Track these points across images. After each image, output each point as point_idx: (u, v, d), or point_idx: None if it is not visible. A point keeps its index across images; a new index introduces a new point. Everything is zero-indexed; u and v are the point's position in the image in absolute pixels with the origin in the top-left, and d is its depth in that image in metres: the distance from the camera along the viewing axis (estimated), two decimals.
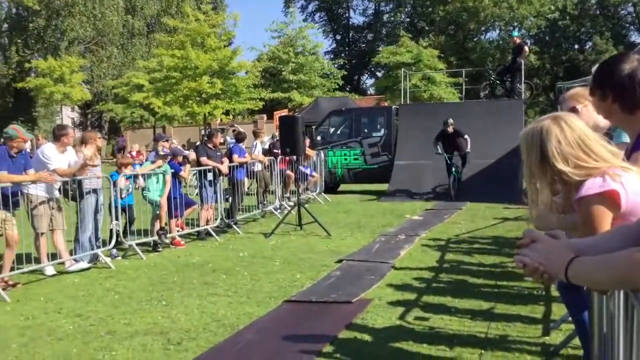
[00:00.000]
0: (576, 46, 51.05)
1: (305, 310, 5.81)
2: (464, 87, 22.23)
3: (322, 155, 16.59)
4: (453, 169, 14.59)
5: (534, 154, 2.16)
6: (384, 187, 16.32)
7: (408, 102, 20.71)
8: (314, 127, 18.53)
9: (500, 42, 48.13)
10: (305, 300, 6.10)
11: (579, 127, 2.16)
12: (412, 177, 15.78)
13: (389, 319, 5.39)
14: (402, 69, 23.17)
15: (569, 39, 50.24)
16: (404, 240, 9.30)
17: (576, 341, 4.23)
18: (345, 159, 17.39)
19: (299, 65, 38.23)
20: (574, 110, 3.55)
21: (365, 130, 17.63)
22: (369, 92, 53.14)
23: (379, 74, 51.50)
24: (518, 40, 18.17)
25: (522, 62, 17.20)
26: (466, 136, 14.39)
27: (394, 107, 18.99)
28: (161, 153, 9.64)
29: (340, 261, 7.97)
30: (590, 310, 3.26)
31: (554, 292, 5.68)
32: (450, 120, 14.48)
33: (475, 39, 51.55)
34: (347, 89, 48.27)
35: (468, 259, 8.01)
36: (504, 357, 4.35)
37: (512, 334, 4.89)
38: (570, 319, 4.22)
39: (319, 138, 17.80)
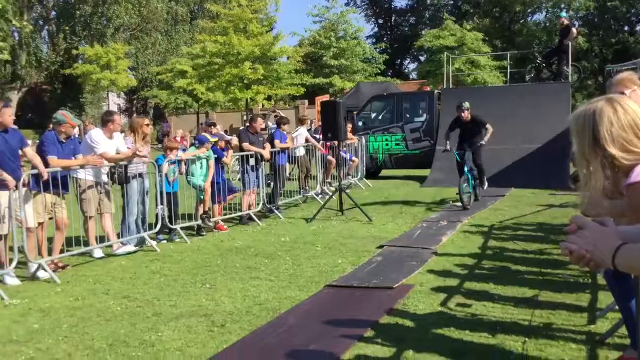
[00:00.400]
0: (626, 28, 49.35)
1: (346, 295, 5.84)
2: (508, 70, 21.77)
3: (363, 140, 16.54)
4: (466, 170, 11.10)
5: (585, 136, 2.09)
6: (425, 172, 16.18)
7: (451, 87, 20.43)
8: (355, 112, 18.46)
9: (547, 24, 46.90)
10: (347, 285, 6.13)
11: (633, 111, 2.09)
12: (454, 162, 15.56)
13: (430, 305, 5.37)
14: (445, 53, 22.85)
15: (618, 20, 48.54)
16: (446, 227, 9.23)
17: (623, 330, 4.15)
18: (387, 144, 17.29)
19: (340, 50, 38.08)
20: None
21: (407, 116, 17.48)
22: (411, 77, 52.61)
23: (422, 58, 50.95)
24: (566, 22, 17.66)
25: (570, 45, 16.73)
26: (488, 126, 11.16)
27: (436, 91, 18.77)
28: (210, 139, 9.80)
29: (381, 247, 7.97)
30: (637, 298, 3.19)
31: (601, 280, 5.56)
32: (466, 104, 11.31)
33: (521, 21, 50.39)
34: (389, 73, 47.88)
35: (512, 245, 7.89)
36: (548, 345, 4.29)
37: (556, 322, 4.81)
38: (616, 307, 4.13)
39: (360, 123, 17.73)
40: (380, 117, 17.95)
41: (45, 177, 6.89)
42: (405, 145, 17.10)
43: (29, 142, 7.34)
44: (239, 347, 4.52)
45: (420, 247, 7.78)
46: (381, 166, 17.69)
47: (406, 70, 59.34)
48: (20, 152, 7.01)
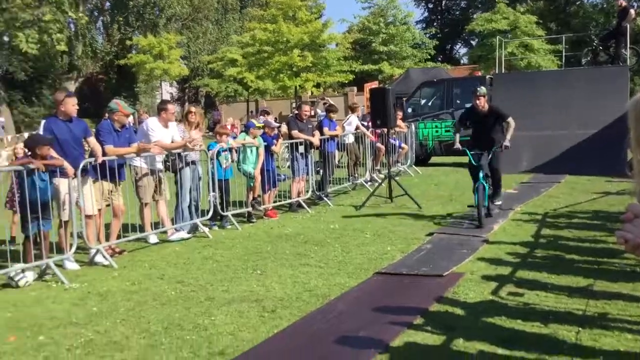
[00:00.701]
0: None
1: (395, 283, 5.84)
2: (564, 54, 21.16)
3: (413, 127, 16.40)
4: (481, 176, 8.52)
5: None
6: None
7: (503, 71, 19.99)
8: (404, 99, 18.30)
9: (604, 5, 45.24)
10: (396, 272, 6.13)
11: None
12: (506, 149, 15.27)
13: (481, 293, 5.33)
14: (498, 37, 22.35)
15: None
16: (497, 214, 9.09)
17: None
18: (437, 131, 17.09)
19: (389, 36, 37.76)
20: None
21: (458, 102, 17.19)
22: (462, 62, 51.70)
23: (473, 43, 49.98)
24: (624, 3, 17.01)
25: (628, 27, 16.13)
26: (510, 120, 8.87)
27: (488, 76, 18.41)
28: (257, 124, 9.91)
29: (431, 234, 7.92)
30: None
31: None
32: (482, 89, 8.95)
33: (577, 3, 48.76)
34: (439, 59, 47.17)
35: (566, 233, 7.73)
36: (603, 335, 4.20)
37: (612, 312, 4.70)
38: None
39: (409, 110, 17.58)
40: (430, 104, 17.74)
41: (100, 160, 7.09)
42: None
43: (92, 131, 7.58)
44: (290, 332, 4.59)
45: (471, 235, 7.70)
46: (431, 153, 17.51)
47: (457, 55, 58.32)
48: (83, 141, 7.25)
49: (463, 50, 58.97)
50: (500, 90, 16.63)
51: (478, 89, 8.96)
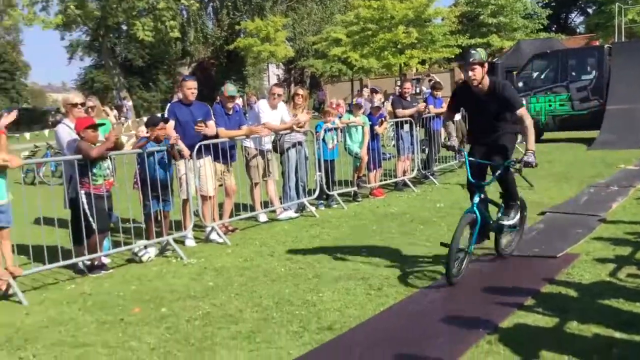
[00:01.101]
0: None
1: (505, 263, 5.71)
2: None
3: (524, 102, 15.75)
4: (476, 200, 5.43)
5: None
6: (593, 134, 15.11)
7: (623, 40, 18.71)
8: (515, 72, 17.59)
9: None
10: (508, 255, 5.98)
11: None
12: (626, 123, 14.36)
13: (597, 275, 5.10)
14: (617, 3, 20.90)
15: None
16: (616, 192, 8.61)
17: None
18: (550, 105, 16.31)
19: (498, 7, 36.31)
20: None
21: (573, 74, 16.32)
22: (577, 31, 48.80)
23: (590, 11, 47.02)
24: None
25: None
26: (523, 112, 5.37)
27: (606, 46, 17.29)
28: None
29: (542, 213, 7.64)
30: None
31: None
32: (477, 52, 5.33)
33: None
34: (553, 29, 44.81)
35: None
36: None
37: None
38: None
39: (520, 84, 16.86)
40: (542, 77, 16.94)
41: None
42: (571, 105, 16.01)
43: None
44: (396, 310, 4.63)
45: (586, 214, 7.35)
46: (543, 128, 16.74)
47: (572, 25, 55.02)
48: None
49: (579, 19, 55.59)
50: (619, 61, 15.60)
51: (472, 52, 5.43)
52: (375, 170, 10.14)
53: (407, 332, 4.19)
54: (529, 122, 5.37)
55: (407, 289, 5.09)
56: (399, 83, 28.86)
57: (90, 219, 6.08)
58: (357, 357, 3.81)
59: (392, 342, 3.99)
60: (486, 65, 5.39)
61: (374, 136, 10.03)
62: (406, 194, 10.02)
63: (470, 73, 5.32)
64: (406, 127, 10.54)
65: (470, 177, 5.47)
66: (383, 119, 10.40)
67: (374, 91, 16.52)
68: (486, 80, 5.39)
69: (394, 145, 11.80)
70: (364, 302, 4.83)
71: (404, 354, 3.78)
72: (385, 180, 10.55)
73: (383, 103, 13.21)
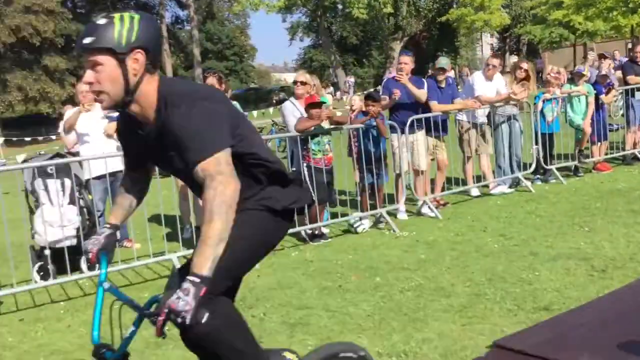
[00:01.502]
0: None
1: None
2: None
3: None
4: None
5: None
6: None
7: None
8: None
9: None
10: None
11: None
12: None
13: None
14: None
15: None
16: None
17: None
18: None
19: None
20: None
21: None
22: None
23: None
24: None
25: None
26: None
27: None
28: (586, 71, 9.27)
29: None
30: None
31: None
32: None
33: None
34: None
35: None
36: None
37: None
38: None
39: None
40: None
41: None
42: None
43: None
44: (622, 294, 4.29)
45: None
46: None
47: None
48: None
49: None
50: None
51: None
52: (600, 143, 9.37)
53: (631, 320, 3.86)
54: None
55: (635, 272, 4.69)
56: (630, 46, 26.17)
57: (311, 190, 6.54)
58: (579, 339, 3.62)
59: (621, 326, 3.67)
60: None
61: (599, 106, 9.26)
62: (636, 169, 9.14)
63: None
64: (638, 95, 9.56)
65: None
66: (611, 87, 9.54)
67: (602, 56, 15.10)
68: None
69: (622, 115, 10.78)
70: (585, 284, 4.57)
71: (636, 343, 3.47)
72: (611, 153, 9.71)
73: (613, 69, 11.97)
